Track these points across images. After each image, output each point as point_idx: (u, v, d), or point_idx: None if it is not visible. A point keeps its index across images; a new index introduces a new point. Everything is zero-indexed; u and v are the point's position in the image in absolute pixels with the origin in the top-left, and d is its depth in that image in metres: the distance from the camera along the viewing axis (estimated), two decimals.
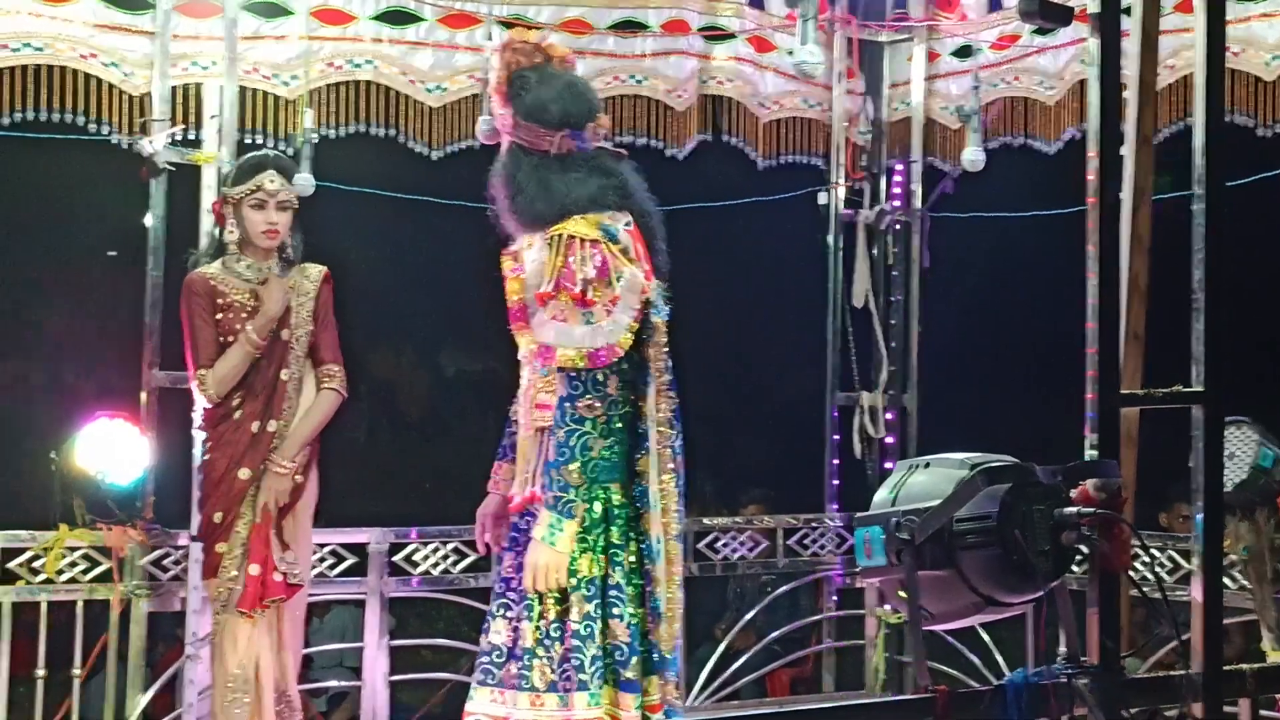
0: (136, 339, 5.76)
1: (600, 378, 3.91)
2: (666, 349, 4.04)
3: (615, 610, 3.96)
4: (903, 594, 4.47)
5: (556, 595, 3.94)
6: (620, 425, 4.00)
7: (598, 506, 3.99)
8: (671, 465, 4.06)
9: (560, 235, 3.91)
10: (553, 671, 3.91)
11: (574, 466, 3.88)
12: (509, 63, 4.08)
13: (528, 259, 3.99)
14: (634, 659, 3.95)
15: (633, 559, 4.02)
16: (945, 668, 6.70)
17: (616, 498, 4.02)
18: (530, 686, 3.92)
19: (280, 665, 5.01)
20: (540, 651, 3.93)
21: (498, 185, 4.09)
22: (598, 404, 3.91)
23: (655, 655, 4.00)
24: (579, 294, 3.86)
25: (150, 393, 5.71)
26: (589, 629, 3.92)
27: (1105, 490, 4.16)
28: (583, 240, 3.90)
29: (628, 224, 4.03)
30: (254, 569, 4.90)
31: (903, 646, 6.90)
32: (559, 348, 3.88)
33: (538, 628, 3.94)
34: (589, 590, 3.94)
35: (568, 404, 3.89)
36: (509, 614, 4.00)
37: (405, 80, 6.29)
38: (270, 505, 4.94)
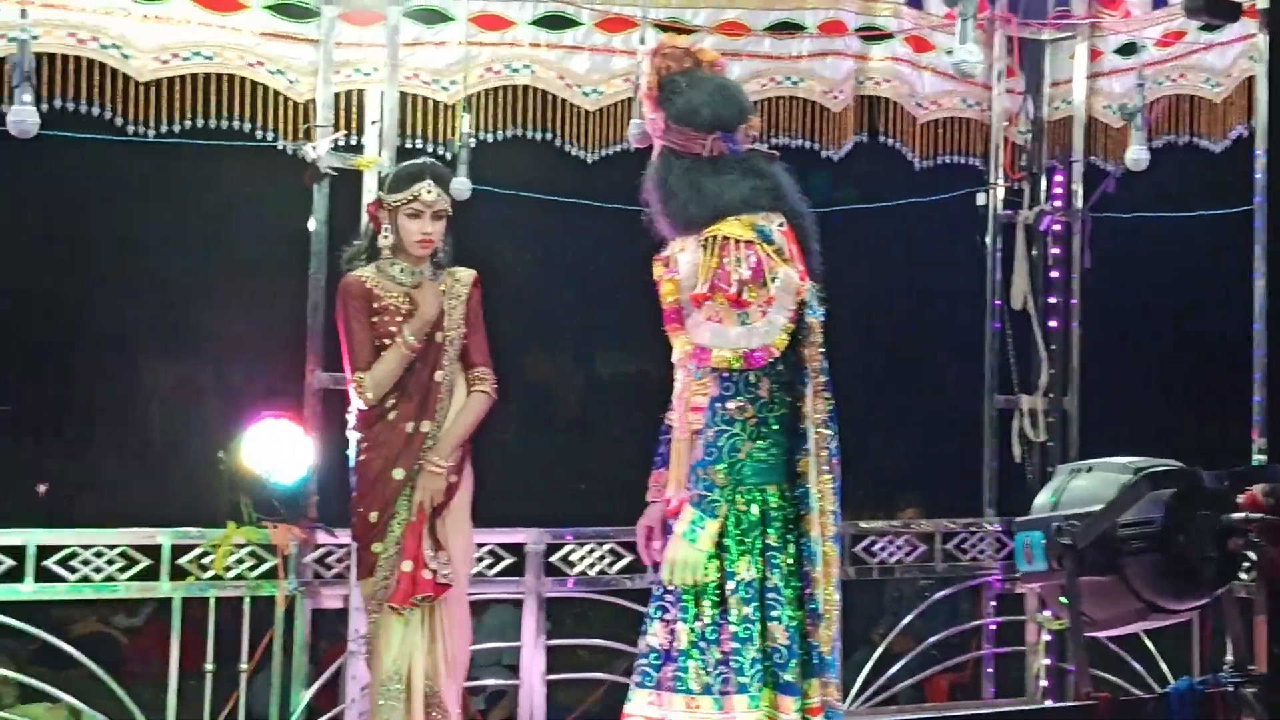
0: (300, 341, 5.87)
1: (752, 379, 3.90)
2: (822, 350, 4.03)
3: (774, 613, 3.95)
4: (1064, 600, 4.43)
5: (714, 597, 3.94)
6: (776, 427, 4.00)
7: (754, 508, 3.98)
8: (827, 467, 4.05)
9: (715, 237, 3.92)
10: (708, 674, 3.92)
11: (720, 467, 3.88)
12: (659, 68, 4.10)
13: (682, 261, 4.01)
14: (793, 661, 3.94)
15: (790, 561, 4.00)
16: (1108, 675, 6.59)
17: (774, 500, 4.01)
18: (685, 689, 3.92)
19: (431, 666, 5.06)
20: (695, 654, 3.93)
21: (650, 190, 4.10)
22: (748, 406, 3.90)
23: (815, 658, 3.99)
24: (734, 295, 3.86)
25: (313, 393, 5.81)
26: (748, 631, 3.92)
27: (1274, 496, 4.07)
28: (737, 241, 3.90)
29: (781, 225, 4.02)
30: (406, 565, 4.97)
31: (1064, 653, 6.81)
32: (714, 349, 3.89)
33: (693, 629, 3.94)
34: (747, 593, 3.94)
35: (718, 404, 3.89)
36: (666, 616, 4.01)
37: (562, 84, 6.33)
38: (425, 504, 5.01)
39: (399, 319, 5.04)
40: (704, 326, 3.92)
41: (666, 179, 4.06)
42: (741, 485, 3.95)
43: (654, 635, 4.01)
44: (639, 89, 4.80)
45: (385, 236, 5.09)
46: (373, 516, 5.03)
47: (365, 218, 5.35)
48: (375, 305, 5.06)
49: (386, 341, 5.04)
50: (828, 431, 4.05)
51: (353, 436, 5.16)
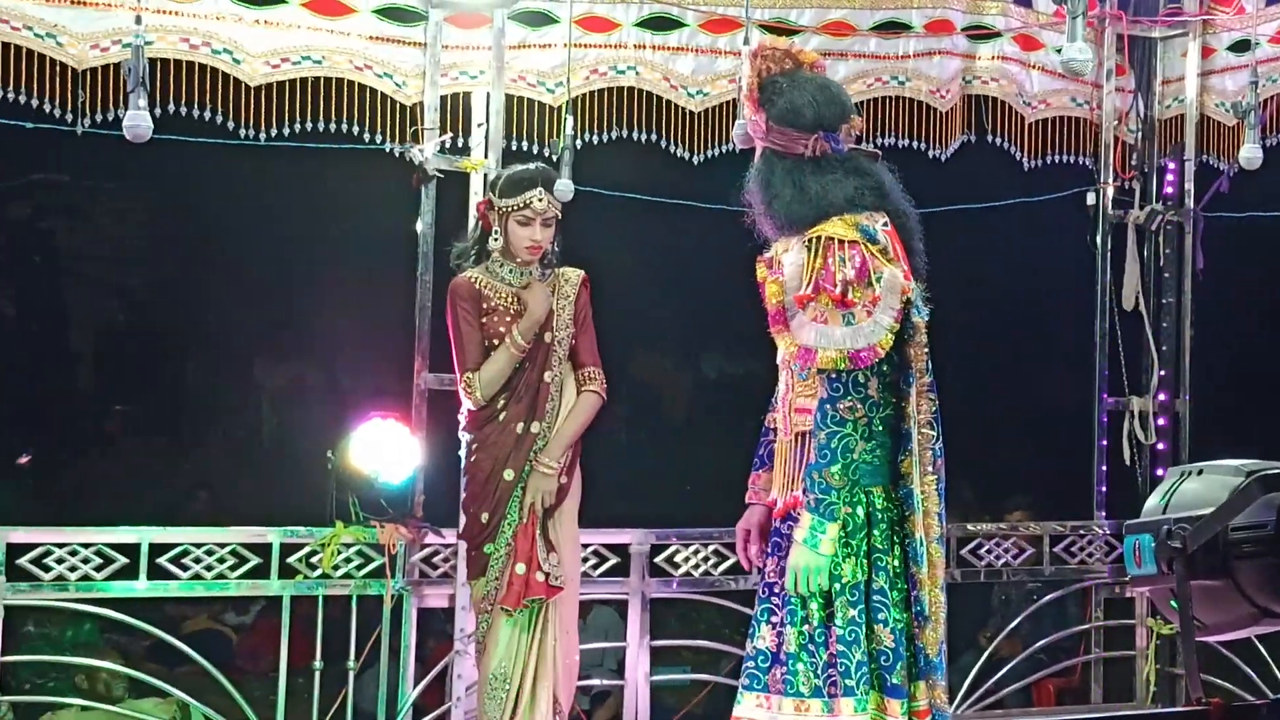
0: (408, 342, 5.92)
1: (861, 379, 3.89)
2: (927, 350, 4.01)
3: (880, 615, 3.94)
4: (1174, 604, 4.37)
5: (820, 600, 3.94)
6: (881, 428, 3.99)
7: (860, 510, 3.98)
8: (932, 468, 4.03)
9: (818, 237, 3.91)
10: (817, 676, 3.92)
11: (835, 469, 3.87)
12: (759, 69, 4.10)
13: (786, 262, 4.00)
14: (899, 664, 3.94)
15: (896, 563, 3.99)
16: (1219, 680, 6.50)
17: (879, 501, 4.00)
18: (795, 691, 3.93)
19: (537, 666, 5.06)
20: (804, 656, 3.93)
21: (754, 191, 4.11)
22: (859, 406, 3.89)
23: (921, 660, 3.98)
24: (839, 295, 3.86)
25: (421, 394, 5.86)
26: (854, 634, 3.91)
27: None
28: (841, 241, 3.89)
29: (885, 224, 4.01)
30: (520, 568, 4.98)
31: (1174, 658, 6.72)
32: (820, 349, 3.88)
33: (801, 632, 3.94)
34: (853, 595, 3.94)
35: (828, 405, 3.88)
36: (773, 619, 4.01)
37: (667, 85, 6.34)
38: (536, 505, 5.03)
39: (508, 319, 5.07)
40: (809, 327, 3.91)
41: (770, 180, 4.06)
42: (854, 487, 3.94)
43: (761, 638, 4.02)
44: (743, 90, 4.80)
45: (495, 239, 5.12)
46: (484, 518, 5.06)
47: (474, 217, 5.39)
48: (485, 306, 5.09)
49: (496, 342, 5.07)
50: (931, 432, 4.03)
51: (463, 438, 5.20)
